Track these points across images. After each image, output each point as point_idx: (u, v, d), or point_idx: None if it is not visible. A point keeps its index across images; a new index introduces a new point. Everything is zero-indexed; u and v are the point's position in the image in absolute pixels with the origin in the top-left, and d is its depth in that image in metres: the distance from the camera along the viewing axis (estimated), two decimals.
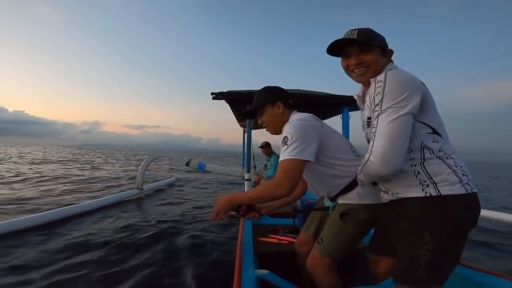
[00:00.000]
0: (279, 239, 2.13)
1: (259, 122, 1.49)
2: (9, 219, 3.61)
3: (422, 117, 0.97)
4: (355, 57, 1.08)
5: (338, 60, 1.17)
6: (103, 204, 4.99)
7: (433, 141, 0.98)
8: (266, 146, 5.41)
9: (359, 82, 1.14)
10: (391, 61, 1.10)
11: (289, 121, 1.37)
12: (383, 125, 0.93)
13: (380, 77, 0.98)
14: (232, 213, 1.47)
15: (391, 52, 1.10)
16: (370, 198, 1.31)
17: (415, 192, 0.98)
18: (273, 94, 1.44)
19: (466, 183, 0.96)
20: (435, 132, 0.98)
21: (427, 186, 0.96)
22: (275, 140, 5.72)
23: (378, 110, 0.95)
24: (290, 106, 1.45)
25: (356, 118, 3.54)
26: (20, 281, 2.22)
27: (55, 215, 3.97)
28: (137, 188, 6.14)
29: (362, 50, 1.06)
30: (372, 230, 1.38)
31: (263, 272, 1.28)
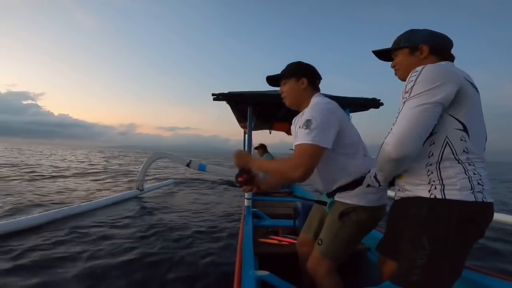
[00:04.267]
0: (280, 240, 2.13)
1: (280, 90, 1.48)
2: None
3: (454, 110, 0.93)
4: (394, 60, 1.20)
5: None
6: (103, 204, 5.00)
7: (461, 139, 0.93)
8: (260, 148, 5.40)
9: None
10: (448, 59, 1.06)
11: (312, 102, 1.35)
12: (406, 110, 0.92)
13: (418, 68, 0.96)
14: (234, 180, 1.49)
15: (426, 48, 1.08)
16: (368, 200, 1.30)
17: (422, 192, 0.97)
18: (302, 69, 1.42)
19: (479, 192, 0.92)
20: (465, 129, 0.93)
21: (435, 188, 0.94)
22: (273, 141, 5.72)
23: (406, 97, 0.94)
24: (315, 86, 1.44)
25: (356, 119, 3.54)
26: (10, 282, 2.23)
27: (53, 216, 3.94)
28: (138, 188, 6.15)
29: (394, 53, 1.18)
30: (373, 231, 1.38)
31: (263, 273, 1.28)
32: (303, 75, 1.40)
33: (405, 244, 0.99)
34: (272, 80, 1.51)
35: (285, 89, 1.44)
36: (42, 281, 2.24)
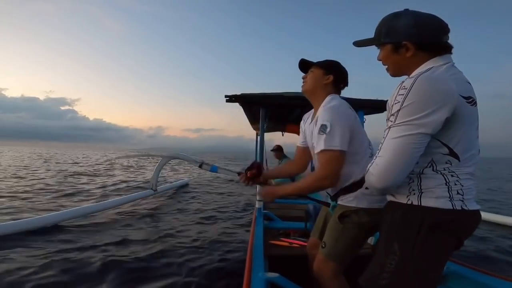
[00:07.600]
0: (290, 243, 2.12)
1: (303, 77, 1.47)
2: None
3: (442, 135, 0.85)
4: (379, 53, 1.02)
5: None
6: (118, 203, 5.10)
7: (446, 163, 0.87)
8: (277, 150, 5.36)
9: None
10: (441, 51, 0.90)
11: (326, 103, 1.34)
12: (390, 139, 0.85)
13: (407, 83, 0.84)
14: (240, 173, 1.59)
15: (411, 46, 0.90)
16: (369, 202, 1.29)
17: (401, 198, 0.94)
18: (334, 67, 1.43)
19: (458, 200, 0.86)
20: (452, 153, 0.86)
21: (413, 194, 0.91)
22: (286, 143, 5.69)
23: (391, 122, 0.86)
24: (337, 87, 1.44)
25: (370, 121, 3.49)
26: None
27: (68, 215, 4.00)
28: (151, 188, 6.21)
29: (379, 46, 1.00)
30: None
31: (272, 275, 1.27)
32: (332, 72, 1.41)
33: (380, 247, 0.97)
34: (303, 64, 1.50)
35: (309, 76, 1.44)
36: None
